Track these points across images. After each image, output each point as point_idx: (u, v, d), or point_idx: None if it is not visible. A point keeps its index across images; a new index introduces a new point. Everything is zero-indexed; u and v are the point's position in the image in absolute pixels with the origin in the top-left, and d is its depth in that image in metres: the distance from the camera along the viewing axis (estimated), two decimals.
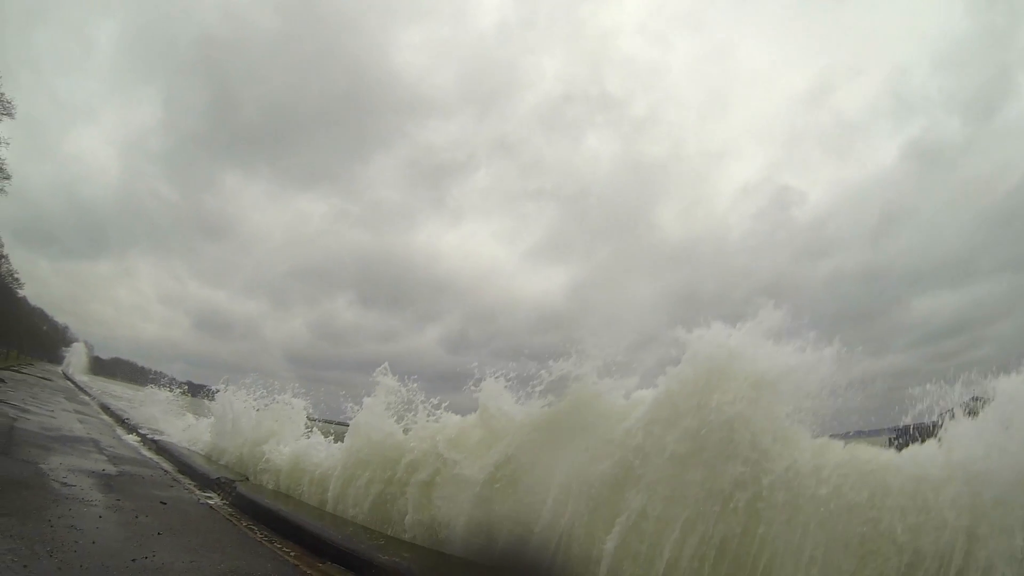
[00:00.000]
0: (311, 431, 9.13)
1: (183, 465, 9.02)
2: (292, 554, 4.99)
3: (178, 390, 21.12)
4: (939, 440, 4.00)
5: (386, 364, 7.66)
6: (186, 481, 8.13)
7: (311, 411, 9.79)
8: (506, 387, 6.16)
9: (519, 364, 6.18)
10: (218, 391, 11.15)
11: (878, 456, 4.13)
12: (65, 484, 6.14)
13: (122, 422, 14.69)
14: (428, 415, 6.86)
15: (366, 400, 7.58)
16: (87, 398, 22.90)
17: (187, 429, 13.36)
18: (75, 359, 52.19)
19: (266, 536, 5.51)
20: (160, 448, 10.59)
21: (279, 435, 9.01)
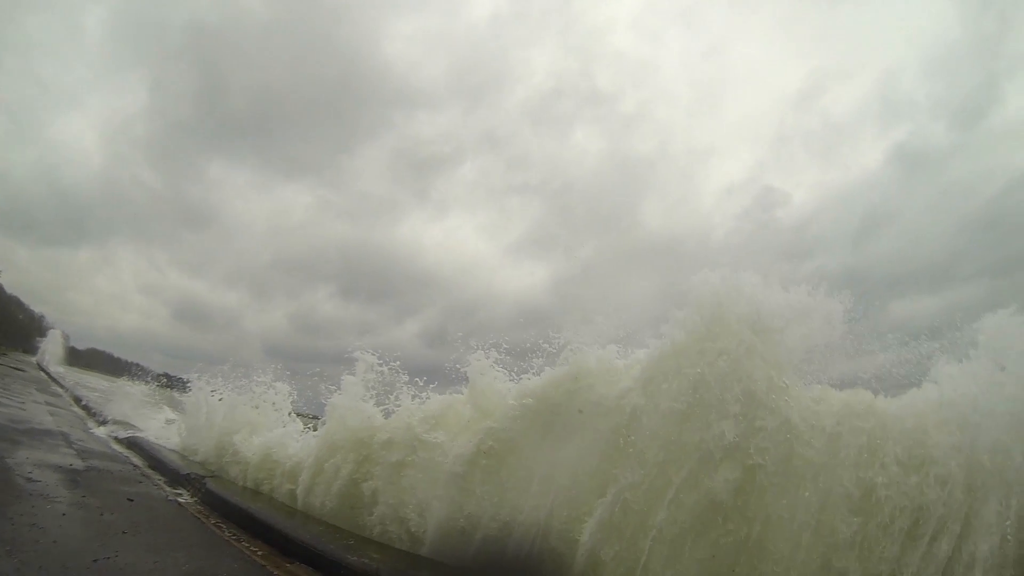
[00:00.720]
0: (291, 419, 8.87)
1: (154, 460, 8.88)
2: (260, 553, 4.93)
3: (154, 383, 20.78)
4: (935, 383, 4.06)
5: (365, 345, 7.33)
6: (156, 477, 8.00)
7: (295, 397, 9.33)
8: (496, 363, 5.90)
9: (500, 354, 6.00)
10: (190, 381, 10.78)
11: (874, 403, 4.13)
12: (30, 480, 6.00)
13: (94, 415, 14.44)
14: (413, 397, 6.54)
15: (344, 379, 7.25)
16: (60, 389, 22.46)
17: (166, 424, 13.09)
18: (51, 348, 50.99)
19: (235, 534, 5.43)
20: (131, 443, 10.41)
21: (256, 424, 8.73)
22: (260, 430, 8.34)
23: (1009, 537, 3.42)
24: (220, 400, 9.54)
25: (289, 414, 9.02)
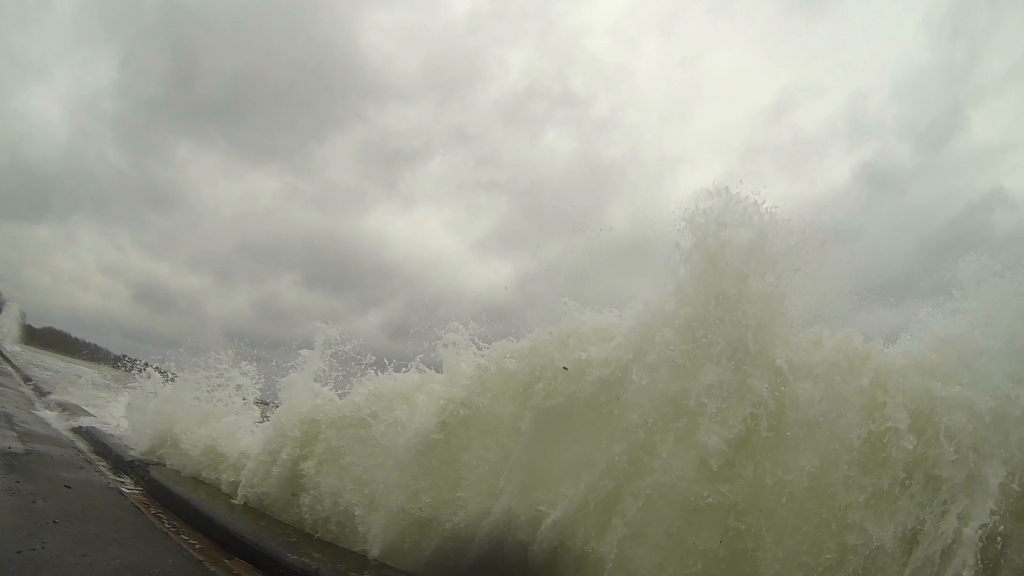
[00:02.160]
0: (248, 407, 8.21)
1: (99, 445, 8.59)
2: (198, 547, 4.74)
3: (114, 365, 20.20)
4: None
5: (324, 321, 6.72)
6: (100, 463, 7.74)
7: (261, 383, 8.40)
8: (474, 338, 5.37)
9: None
10: (147, 364, 10.26)
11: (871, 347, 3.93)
12: None
13: (44, 396, 13.97)
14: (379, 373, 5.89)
15: (303, 353, 6.70)
16: (10, 369, 21.74)
17: (126, 409, 12.41)
18: (6, 323, 49.22)
19: (174, 526, 5.23)
20: (78, 427, 10.07)
21: (207, 413, 8.05)
22: (209, 420, 7.79)
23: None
24: (170, 385, 8.95)
25: (250, 402, 8.31)
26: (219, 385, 8.38)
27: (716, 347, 3.97)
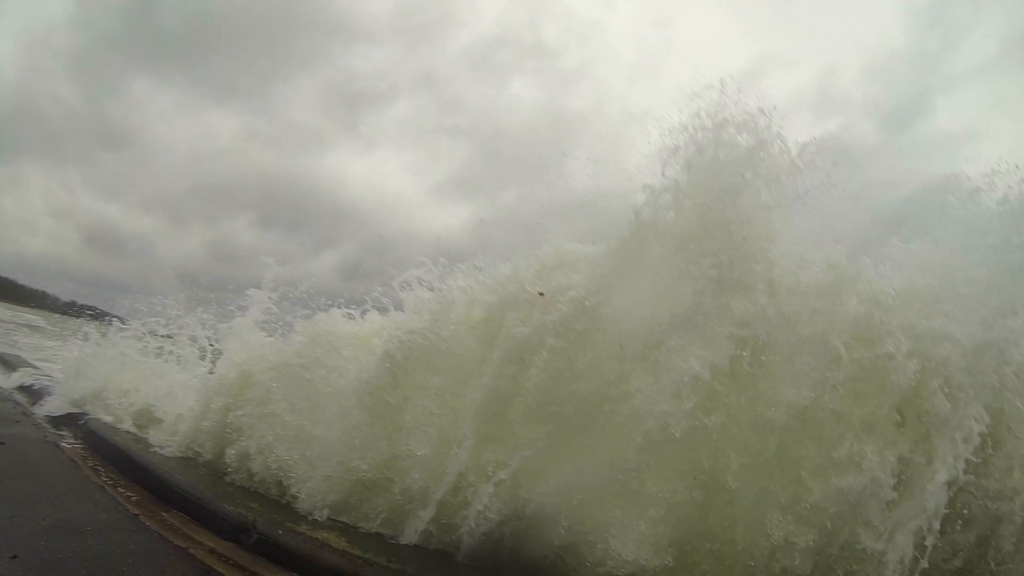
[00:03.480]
0: (199, 362, 7.62)
1: (39, 398, 8.32)
2: (135, 500, 4.64)
3: (60, 313, 19.61)
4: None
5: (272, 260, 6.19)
6: (39, 416, 7.51)
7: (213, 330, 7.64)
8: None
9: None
10: (101, 313, 9.75)
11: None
12: None
13: None
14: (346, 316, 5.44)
15: (250, 293, 6.23)
16: None
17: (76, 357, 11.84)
18: None
19: (111, 479, 5.08)
20: (19, 383, 9.75)
21: (151, 371, 7.68)
22: (151, 378, 7.38)
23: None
24: (112, 337, 8.45)
25: (208, 354, 7.59)
26: (169, 336, 7.91)
27: (704, 265, 3.66)
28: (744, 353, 3.51)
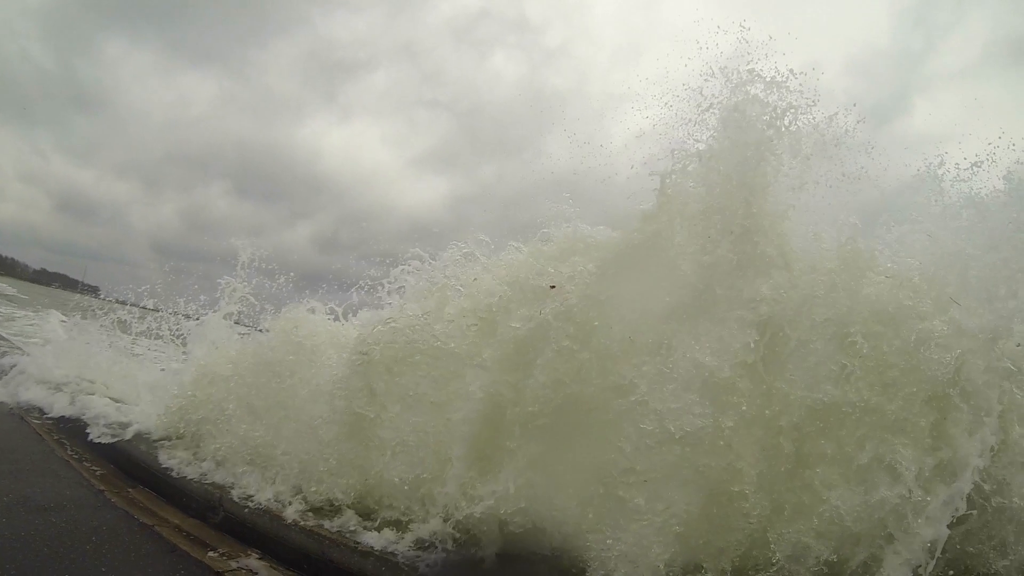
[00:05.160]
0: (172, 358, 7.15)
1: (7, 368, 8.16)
2: (99, 474, 4.60)
3: (30, 280, 19.06)
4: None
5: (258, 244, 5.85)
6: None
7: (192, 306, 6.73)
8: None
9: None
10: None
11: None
12: None
13: None
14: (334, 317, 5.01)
15: (222, 283, 5.82)
16: None
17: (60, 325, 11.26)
18: None
19: (76, 453, 5.04)
20: None
21: (118, 372, 7.30)
22: (116, 378, 7.02)
23: None
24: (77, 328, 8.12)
25: (179, 342, 6.71)
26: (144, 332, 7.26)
27: (722, 247, 3.32)
28: (760, 341, 3.16)
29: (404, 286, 4.49)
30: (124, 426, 5.28)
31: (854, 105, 3.72)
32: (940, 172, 3.66)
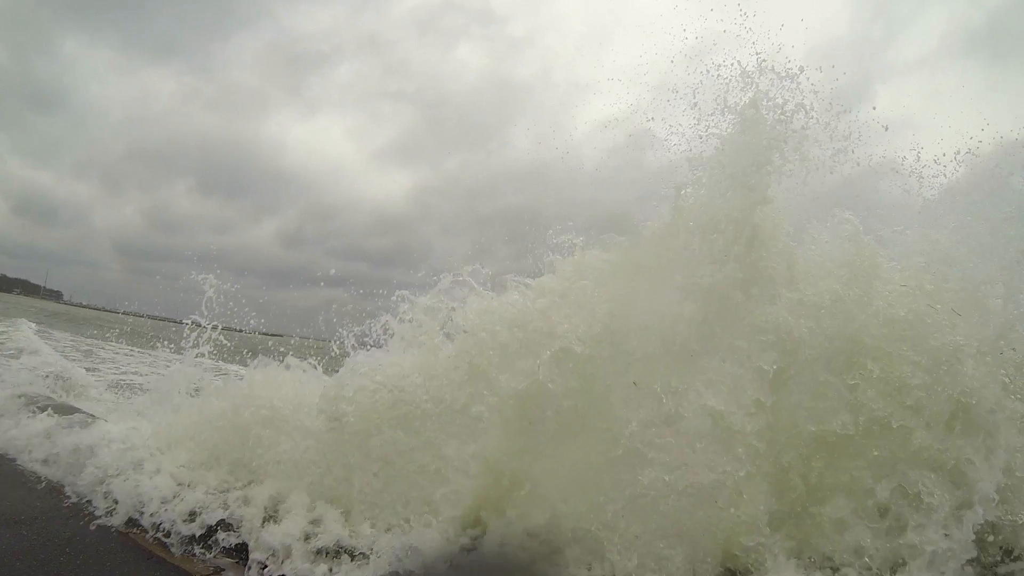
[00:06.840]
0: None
1: None
2: None
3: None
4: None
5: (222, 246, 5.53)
6: None
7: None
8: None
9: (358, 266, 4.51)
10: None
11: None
12: None
13: None
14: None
15: (188, 323, 5.43)
16: None
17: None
18: None
19: None
20: None
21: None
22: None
23: None
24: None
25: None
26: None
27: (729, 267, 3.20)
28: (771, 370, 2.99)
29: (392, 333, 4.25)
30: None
31: (833, 104, 3.85)
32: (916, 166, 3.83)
